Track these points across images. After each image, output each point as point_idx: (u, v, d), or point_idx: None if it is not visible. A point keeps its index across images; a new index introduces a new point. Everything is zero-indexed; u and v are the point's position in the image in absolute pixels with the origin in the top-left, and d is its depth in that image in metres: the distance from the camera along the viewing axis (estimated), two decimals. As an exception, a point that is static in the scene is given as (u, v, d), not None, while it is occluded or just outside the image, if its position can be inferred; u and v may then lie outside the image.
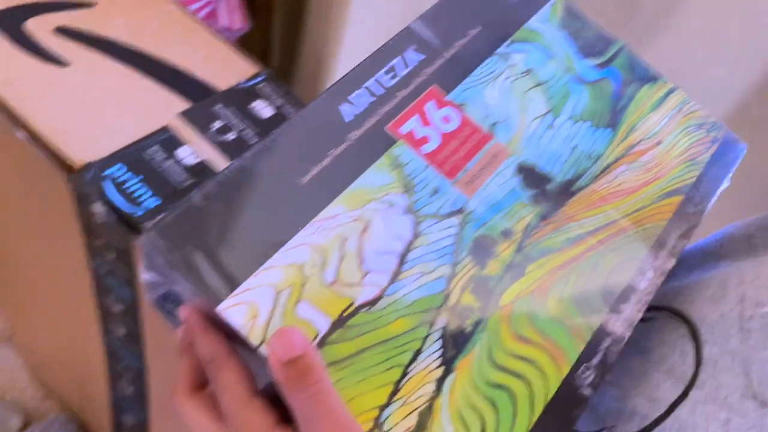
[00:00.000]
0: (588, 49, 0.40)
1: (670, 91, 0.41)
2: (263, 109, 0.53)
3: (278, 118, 0.53)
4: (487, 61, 0.36)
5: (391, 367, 0.28)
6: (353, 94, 0.33)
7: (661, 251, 0.35)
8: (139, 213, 0.44)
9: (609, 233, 0.35)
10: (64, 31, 0.52)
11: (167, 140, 0.49)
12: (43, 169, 0.47)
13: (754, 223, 0.40)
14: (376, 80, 0.33)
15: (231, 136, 0.50)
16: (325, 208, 0.30)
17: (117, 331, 0.58)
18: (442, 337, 0.29)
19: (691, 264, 0.41)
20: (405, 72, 0.34)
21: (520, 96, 0.36)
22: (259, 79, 0.55)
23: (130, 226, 0.44)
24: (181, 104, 0.51)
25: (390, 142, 0.32)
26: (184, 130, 0.50)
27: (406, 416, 0.27)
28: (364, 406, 0.27)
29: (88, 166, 0.45)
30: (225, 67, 0.55)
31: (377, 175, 0.31)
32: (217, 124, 0.51)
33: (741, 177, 0.42)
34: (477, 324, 0.30)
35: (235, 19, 0.80)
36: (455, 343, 0.29)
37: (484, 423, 0.28)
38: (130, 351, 0.59)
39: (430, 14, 0.36)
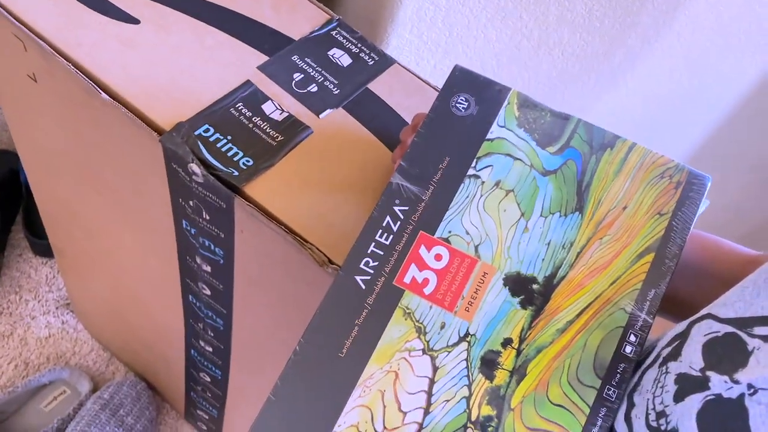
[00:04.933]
0: (545, 139, 0.41)
1: (630, 149, 0.42)
2: (341, 57, 0.51)
3: (358, 67, 0.51)
4: (460, 188, 0.40)
5: None
6: (362, 263, 0.38)
7: (641, 313, 0.38)
8: (236, 173, 0.43)
9: (591, 312, 0.38)
10: (129, -13, 0.50)
11: (251, 96, 0.47)
12: (131, 131, 0.46)
13: None
14: (375, 244, 0.38)
15: (313, 87, 0.49)
16: (363, 372, 0.36)
17: (202, 291, 0.58)
18: None
19: None
20: (396, 227, 0.39)
21: (494, 211, 0.40)
22: (333, 25, 0.52)
23: (229, 186, 0.43)
24: (258, 57, 0.49)
25: (398, 294, 0.38)
26: (266, 84, 0.48)
27: None
28: None
29: (179, 127, 0.44)
30: (295, 15, 0.52)
31: (395, 329, 0.37)
32: (298, 76, 0.49)
33: None
34: (497, 429, 0.36)
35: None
36: None
37: None
38: (214, 310, 0.59)
39: (405, 164, 0.40)
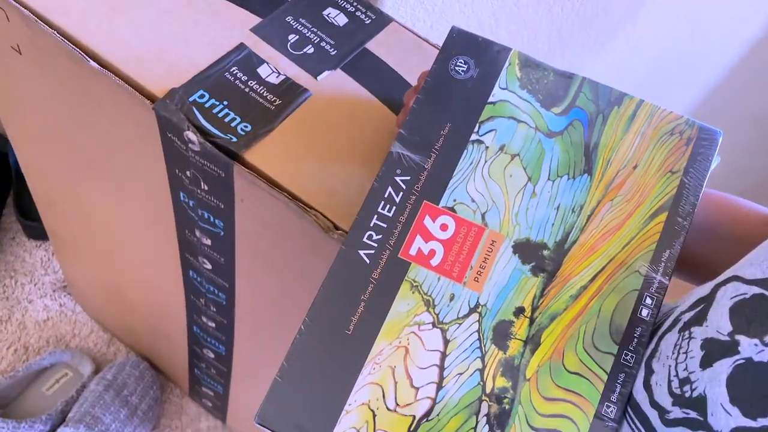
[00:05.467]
0: (549, 99, 0.40)
1: (638, 106, 0.40)
2: (337, 16, 0.49)
3: (355, 26, 0.49)
4: (463, 154, 0.38)
5: None
6: (365, 236, 0.36)
7: (656, 275, 0.37)
8: (234, 139, 0.42)
9: (605, 276, 0.37)
10: (112, -50, 0.48)
11: (245, 59, 0.45)
12: (122, 100, 0.44)
13: None
14: (377, 216, 0.37)
15: (309, 49, 0.47)
16: (372, 349, 0.35)
17: (203, 265, 0.56)
18: (488, 421, 0.34)
19: None
20: (399, 198, 0.37)
21: (500, 176, 0.38)
22: (326, -16, 0.50)
23: (227, 153, 0.41)
24: (250, 18, 0.47)
25: (405, 267, 0.36)
26: (260, 46, 0.46)
27: None
28: None
29: (172, 93, 0.42)
30: (287, -25, 0.50)
31: (402, 303, 0.36)
32: (293, 38, 0.47)
33: None
34: (512, 401, 0.35)
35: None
36: (499, 423, 0.34)
37: None
38: (216, 284, 0.58)
39: (405, 132, 0.38)
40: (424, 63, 0.48)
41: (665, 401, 0.32)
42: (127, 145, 0.49)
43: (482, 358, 0.35)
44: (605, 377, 0.35)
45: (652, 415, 0.33)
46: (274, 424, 0.33)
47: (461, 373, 0.35)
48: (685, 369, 0.31)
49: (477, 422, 0.34)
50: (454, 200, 0.37)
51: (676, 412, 0.31)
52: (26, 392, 0.88)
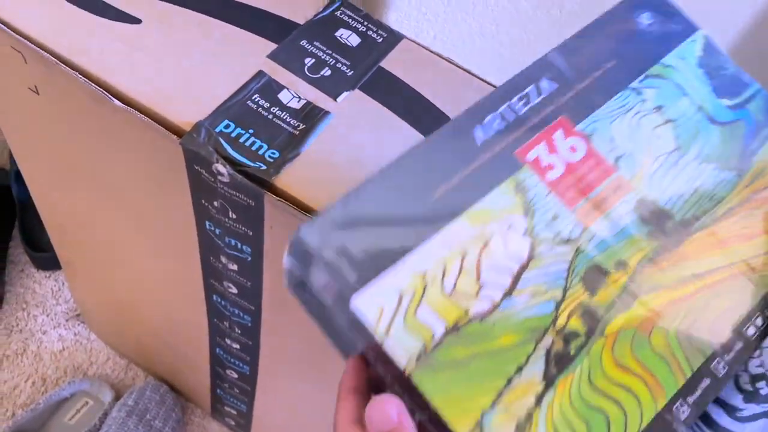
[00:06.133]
0: (723, 89, 0.39)
1: None
2: (349, 37, 0.50)
3: (368, 46, 0.49)
4: (619, 94, 0.36)
5: (496, 377, 0.30)
6: (486, 119, 0.34)
7: None
8: (263, 167, 0.42)
9: (723, 276, 0.34)
10: (123, -15, 0.48)
11: (265, 87, 0.46)
12: (146, 135, 0.44)
13: None
14: (509, 106, 0.34)
15: (326, 71, 0.48)
16: (450, 224, 0.32)
17: (228, 290, 0.57)
18: (546, 356, 0.31)
19: None
20: (537, 100, 0.35)
21: (648, 133, 0.36)
22: (336, 5, 0.51)
23: (258, 182, 0.42)
24: (266, 45, 0.48)
25: (516, 166, 0.34)
26: (279, 72, 0.47)
27: (506, 422, 0.29)
28: (469, 407, 0.29)
29: (198, 126, 0.43)
30: (296, -1, 0.51)
31: (501, 197, 0.33)
32: (309, 61, 0.48)
33: None
34: (580, 348, 0.32)
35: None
36: (558, 364, 0.31)
37: None
38: (241, 307, 0.59)
39: (567, 46, 0.36)
40: (439, 77, 0.49)
41: (734, 399, 0.32)
42: (150, 178, 0.50)
43: (564, 290, 0.32)
44: (689, 374, 0.32)
45: (717, 412, 0.33)
46: (313, 241, 0.30)
47: (536, 294, 0.32)
48: (760, 365, 0.31)
49: (534, 351, 0.31)
50: (594, 129, 0.35)
51: (752, 408, 0.32)
52: (49, 424, 0.88)
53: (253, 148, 0.43)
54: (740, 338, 0.34)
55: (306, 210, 0.42)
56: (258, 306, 0.57)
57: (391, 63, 0.49)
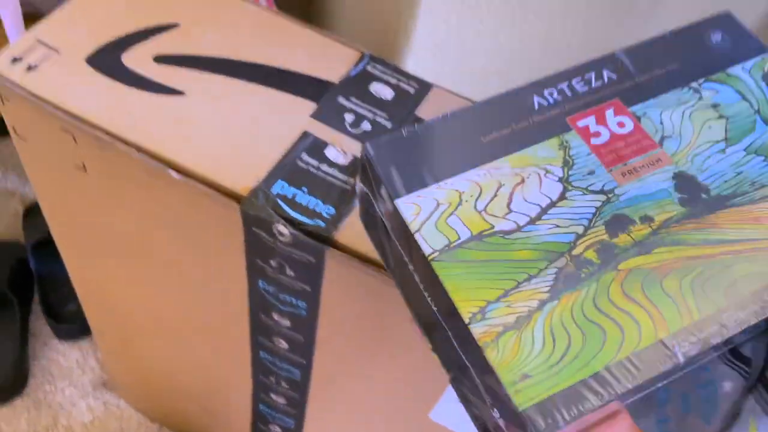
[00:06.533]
0: None
1: None
2: (383, 90, 0.52)
3: (401, 97, 0.51)
4: (675, 89, 0.39)
5: (507, 279, 0.34)
6: (546, 91, 0.38)
7: None
8: (322, 224, 0.43)
9: (752, 247, 0.35)
10: (163, 59, 0.49)
11: (312, 145, 0.47)
12: (202, 203, 0.45)
13: None
14: (569, 84, 0.39)
15: (366, 125, 0.49)
16: (493, 161, 0.36)
17: (278, 345, 0.57)
18: (557, 273, 0.34)
19: None
20: (596, 85, 0.39)
21: (698, 122, 0.38)
22: (366, 60, 0.53)
23: (318, 238, 0.43)
24: (306, 105, 0.49)
25: (565, 129, 0.37)
26: (322, 130, 0.48)
27: (506, 315, 0.33)
28: (476, 296, 0.33)
29: (255, 190, 0.44)
30: (327, 58, 0.53)
31: (544, 149, 0.37)
32: (350, 117, 0.49)
33: None
34: (591, 275, 0.34)
35: None
36: (566, 281, 0.34)
37: (569, 344, 0.32)
38: (291, 362, 0.59)
39: (634, 49, 0.40)
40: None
41: None
42: (200, 244, 0.51)
43: (586, 227, 0.35)
44: (697, 318, 0.33)
45: None
46: (374, 154, 0.36)
47: (559, 226, 0.35)
48: None
49: (546, 267, 0.34)
50: (645, 113, 0.38)
51: None
52: (87, 498, 0.86)
53: (310, 207, 0.44)
54: (758, 301, 0.33)
55: (367, 261, 0.43)
56: (309, 359, 0.57)
57: (426, 111, 0.51)
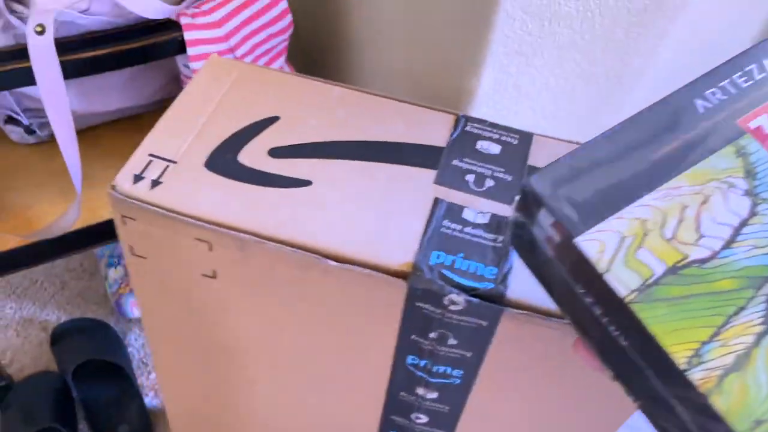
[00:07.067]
0: None
1: None
2: (490, 146, 0.52)
3: (509, 149, 0.52)
4: None
5: (715, 315, 0.32)
6: (708, 91, 0.36)
7: None
8: (491, 286, 0.43)
9: None
10: (277, 152, 0.49)
11: (449, 211, 0.47)
12: (362, 287, 0.44)
13: None
14: (731, 81, 0.36)
15: (489, 182, 0.50)
16: (669, 181, 0.34)
17: (414, 421, 0.56)
18: (766, 301, 0.32)
19: None
20: (760, 76, 0.37)
21: None
22: (463, 121, 0.54)
23: (493, 300, 0.43)
24: (427, 173, 0.50)
25: (738, 133, 0.35)
26: (451, 195, 0.48)
27: (724, 355, 0.31)
28: (687, 338, 0.31)
29: (417, 264, 0.43)
30: (427, 125, 0.53)
31: (721, 160, 0.35)
32: (471, 177, 0.50)
33: None
34: None
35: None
36: None
37: None
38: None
39: None
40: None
41: None
42: (345, 331, 0.49)
43: None
44: None
45: None
46: (542, 189, 0.33)
47: (757, 247, 0.33)
48: None
49: (753, 296, 0.32)
50: None
51: None
52: None
53: (471, 271, 0.44)
54: None
55: (544, 314, 0.43)
56: (451, 429, 0.56)
57: (536, 159, 0.52)
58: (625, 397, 0.35)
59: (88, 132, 0.82)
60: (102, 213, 0.76)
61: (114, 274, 1.06)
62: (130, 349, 1.04)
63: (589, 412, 0.51)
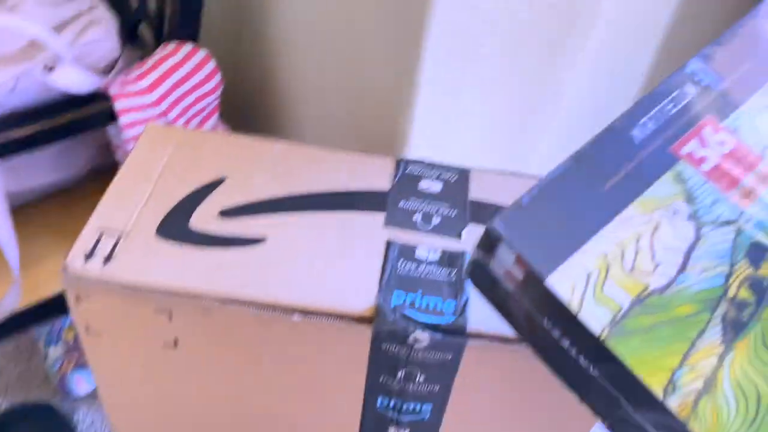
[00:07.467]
0: None
1: None
2: (431, 185, 0.55)
3: (449, 186, 0.55)
4: (759, 92, 0.40)
5: (680, 340, 0.34)
6: (640, 122, 0.39)
7: None
8: (451, 319, 0.45)
9: None
10: (228, 213, 0.50)
11: (401, 252, 0.49)
12: (328, 336, 0.45)
13: None
14: (660, 109, 0.39)
15: (436, 219, 0.52)
16: (622, 211, 0.36)
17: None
18: (723, 322, 0.35)
19: None
20: (684, 102, 0.39)
21: None
22: (404, 164, 0.56)
23: (455, 333, 0.44)
24: (375, 217, 0.51)
25: (673, 160, 0.38)
26: (402, 235, 0.50)
27: (694, 379, 0.33)
28: (660, 366, 0.33)
29: (381, 308, 0.45)
30: (367, 170, 0.55)
31: (664, 186, 0.37)
32: (417, 217, 0.52)
33: None
34: (752, 315, 0.35)
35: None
36: (733, 328, 0.35)
37: (759, 395, 0.34)
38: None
39: (706, 52, 0.41)
40: (522, 188, 0.55)
41: None
42: (312, 380, 0.50)
43: (731, 265, 0.35)
44: None
45: None
46: (506, 231, 0.35)
47: (706, 270, 0.35)
48: None
49: (711, 318, 0.34)
50: (739, 125, 0.39)
51: None
52: None
53: (431, 307, 0.45)
54: None
55: (505, 340, 0.45)
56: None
57: (477, 192, 0.55)
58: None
59: (21, 210, 0.80)
60: (42, 291, 0.74)
61: (54, 352, 1.02)
62: (79, 428, 0.99)
63: (560, 427, 0.53)
